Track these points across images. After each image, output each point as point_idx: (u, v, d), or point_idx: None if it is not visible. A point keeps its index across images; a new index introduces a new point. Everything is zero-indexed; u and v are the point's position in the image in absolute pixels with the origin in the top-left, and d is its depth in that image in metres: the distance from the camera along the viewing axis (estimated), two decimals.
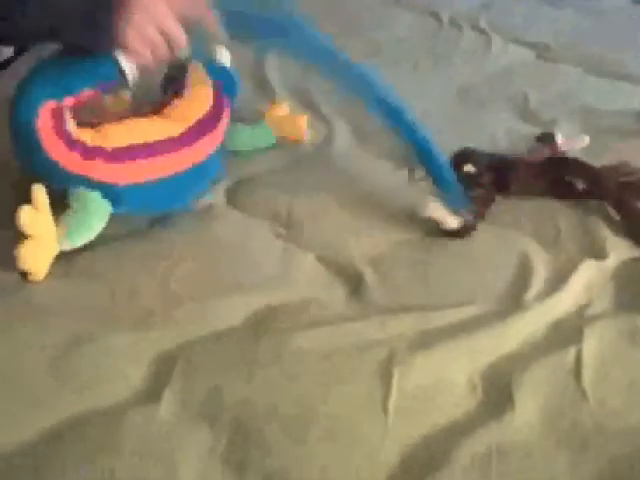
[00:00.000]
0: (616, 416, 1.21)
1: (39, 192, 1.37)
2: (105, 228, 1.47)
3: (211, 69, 1.76)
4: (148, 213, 1.58)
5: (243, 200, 1.67)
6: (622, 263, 1.54)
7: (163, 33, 1.42)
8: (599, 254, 1.55)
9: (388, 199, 1.70)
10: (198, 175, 1.63)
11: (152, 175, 1.54)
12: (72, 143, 1.46)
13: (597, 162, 1.73)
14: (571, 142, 1.85)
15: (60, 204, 1.44)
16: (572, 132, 1.91)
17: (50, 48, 1.46)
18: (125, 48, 1.40)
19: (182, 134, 1.59)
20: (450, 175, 1.66)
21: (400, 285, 1.46)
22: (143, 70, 1.47)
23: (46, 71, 1.46)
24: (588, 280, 1.49)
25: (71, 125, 1.47)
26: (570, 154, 1.80)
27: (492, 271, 1.51)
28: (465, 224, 1.58)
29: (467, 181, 1.72)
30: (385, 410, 1.19)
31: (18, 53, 2.09)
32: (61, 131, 1.45)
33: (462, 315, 1.38)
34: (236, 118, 1.76)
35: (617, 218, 1.65)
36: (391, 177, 1.80)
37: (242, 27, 1.57)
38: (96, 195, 1.47)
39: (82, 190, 1.47)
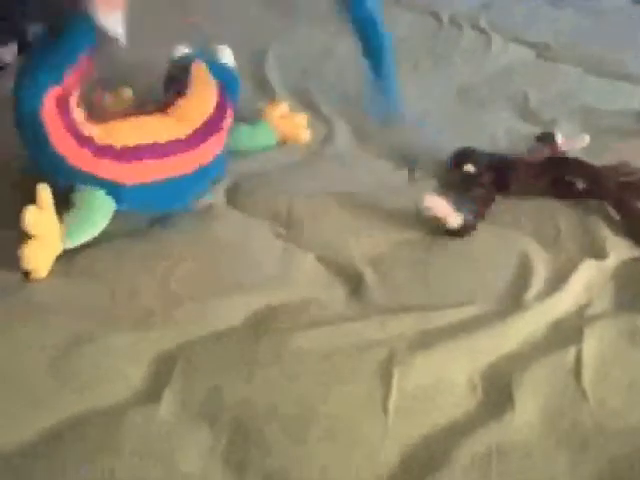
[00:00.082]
0: (616, 416, 1.21)
1: (44, 191, 1.37)
2: (105, 227, 1.47)
3: (214, 69, 1.76)
4: (150, 212, 1.58)
5: (243, 200, 1.67)
6: (622, 263, 1.54)
7: None
8: (599, 254, 1.55)
9: (388, 199, 1.70)
10: (203, 176, 1.63)
11: (159, 175, 1.55)
12: (82, 139, 1.46)
13: (597, 162, 1.74)
14: (571, 142, 1.85)
15: (64, 201, 1.44)
16: (572, 132, 1.91)
17: None
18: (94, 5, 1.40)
19: (189, 135, 1.60)
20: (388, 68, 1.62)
21: (400, 285, 1.46)
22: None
23: (38, 58, 1.45)
24: (588, 280, 1.49)
25: (78, 114, 1.47)
26: (570, 154, 1.80)
27: (492, 271, 1.51)
28: (466, 224, 1.58)
29: (467, 181, 1.73)
30: (385, 410, 1.19)
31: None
32: (69, 124, 1.44)
33: (462, 315, 1.38)
34: (236, 118, 1.76)
35: (617, 218, 1.65)
36: (391, 177, 1.80)
37: None
38: (101, 193, 1.47)
39: (87, 187, 1.47)
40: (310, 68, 2.25)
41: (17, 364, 1.23)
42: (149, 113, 1.63)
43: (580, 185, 1.71)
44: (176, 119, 1.61)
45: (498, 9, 2.74)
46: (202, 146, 1.61)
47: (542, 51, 2.46)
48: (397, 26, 2.59)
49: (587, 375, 1.27)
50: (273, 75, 2.20)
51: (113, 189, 1.48)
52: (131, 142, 1.51)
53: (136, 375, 1.23)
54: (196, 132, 1.61)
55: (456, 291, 1.45)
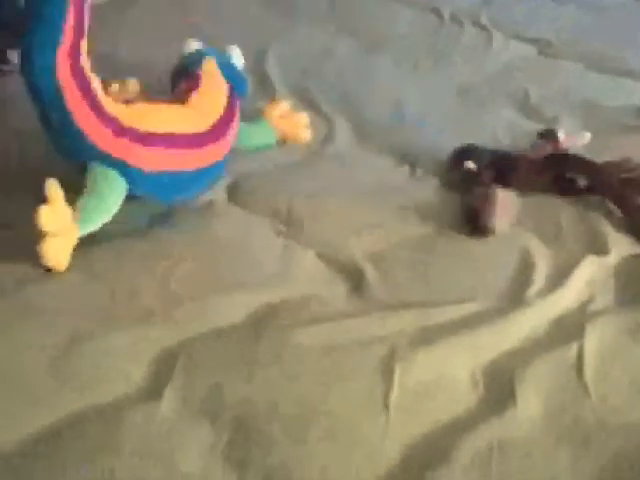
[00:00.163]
0: (618, 412, 1.20)
1: (53, 188, 1.37)
2: (106, 226, 1.47)
3: (223, 69, 1.77)
4: (162, 200, 1.58)
5: (244, 197, 1.67)
6: (624, 259, 1.54)
7: None
8: (601, 250, 1.55)
9: (389, 196, 1.70)
10: (217, 170, 1.65)
11: (177, 165, 1.55)
12: (106, 118, 1.45)
13: (599, 158, 1.73)
14: (573, 139, 1.84)
15: (77, 181, 1.44)
16: (574, 128, 1.91)
17: None
18: None
19: (209, 129, 1.60)
20: None
21: (401, 282, 1.46)
22: None
23: (30, 28, 1.42)
24: (590, 276, 1.48)
25: (97, 85, 1.45)
26: (572, 150, 1.80)
27: (494, 267, 1.51)
28: (486, 226, 1.57)
29: (468, 178, 1.72)
30: (386, 407, 1.19)
31: None
32: (91, 101, 1.42)
33: (463, 311, 1.37)
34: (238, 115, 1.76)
35: (619, 214, 1.65)
36: (392, 175, 1.80)
37: None
38: (115, 174, 1.47)
39: (101, 168, 1.46)
40: (310, 68, 2.25)
41: (17, 364, 1.23)
42: (169, 102, 1.63)
43: (582, 182, 1.70)
44: (194, 111, 1.62)
45: (499, 6, 2.73)
46: (221, 141, 1.63)
47: (543, 48, 2.45)
48: (398, 23, 2.60)
49: (589, 371, 1.26)
50: (273, 74, 2.20)
51: (129, 173, 1.48)
52: (155, 129, 1.51)
53: (136, 374, 1.23)
54: (214, 127, 1.62)
55: (457, 287, 1.44)
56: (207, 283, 1.42)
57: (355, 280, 1.46)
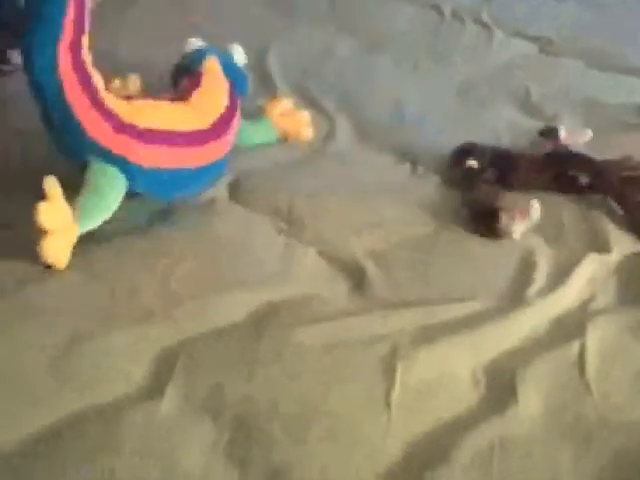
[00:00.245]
0: (620, 410, 1.20)
1: (52, 185, 1.37)
2: (105, 225, 1.47)
3: (225, 67, 1.76)
4: (161, 197, 1.58)
5: (245, 195, 1.67)
6: (625, 257, 1.54)
7: None
8: (602, 248, 1.55)
9: (390, 194, 1.70)
10: (217, 168, 1.65)
11: (178, 163, 1.55)
12: (107, 114, 1.45)
13: (600, 156, 1.73)
14: (574, 136, 1.84)
15: (76, 178, 1.44)
16: (574, 126, 1.91)
17: None
18: None
19: (210, 127, 1.60)
20: None
21: (402, 280, 1.46)
22: None
23: (31, 25, 1.41)
24: (591, 274, 1.48)
25: (98, 80, 1.45)
26: (573, 148, 1.79)
27: (495, 266, 1.50)
28: (507, 229, 1.56)
29: (470, 176, 1.72)
30: (387, 406, 1.18)
31: None
32: (92, 96, 1.42)
33: (465, 310, 1.37)
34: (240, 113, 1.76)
35: (620, 212, 1.65)
36: (393, 172, 1.80)
37: None
38: (115, 171, 1.47)
39: (101, 164, 1.46)
40: (311, 66, 2.25)
41: (17, 364, 1.23)
42: (170, 100, 1.63)
43: (583, 180, 1.70)
44: (196, 110, 1.62)
45: (500, 3, 2.73)
46: (222, 139, 1.63)
47: (544, 45, 2.45)
48: (398, 20, 2.60)
49: (590, 369, 1.26)
50: (274, 73, 2.20)
51: (129, 169, 1.48)
52: (155, 125, 1.51)
53: (137, 373, 1.22)
54: (215, 125, 1.62)
55: (459, 286, 1.44)
56: (208, 281, 1.42)
57: (356, 278, 1.45)
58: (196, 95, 1.65)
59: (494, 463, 1.11)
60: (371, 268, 1.47)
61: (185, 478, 1.08)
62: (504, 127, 1.97)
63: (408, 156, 1.84)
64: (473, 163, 1.74)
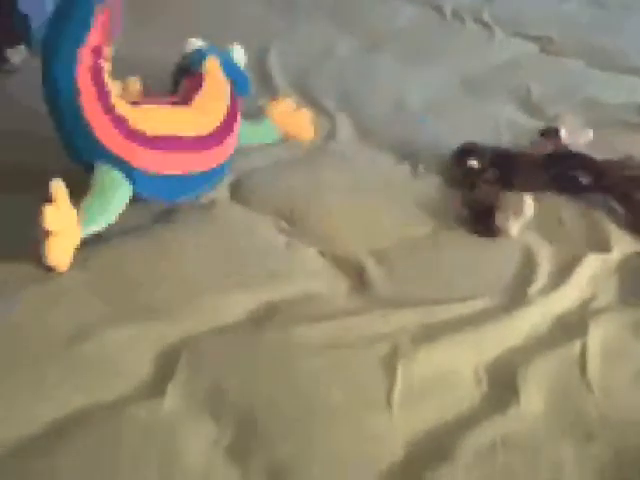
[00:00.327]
0: (621, 408, 1.21)
1: (59, 188, 1.37)
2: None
3: (225, 67, 1.76)
4: (167, 201, 1.58)
5: (246, 195, 1.67)
6: (626, 257, 1.54)
7: None
8: (603, 248, 1.55)
9: (391, 193, 1.70)
10: (222, 170, 1.65)
11: (183, 168, 1.56)
12: (117, 120, 1.46)
13: (601, 156, 1.73)
14: (575, 136, 1.84)
15: (82, 181, 1.44)
16: (575, 126, 1.90)
17: None
18: None
19: (214, 131, 1.61)
20: None
21: (403, 279, 1.46)
22: None
23: (57, 25, 1.43)
24: (592, 273, 1.48)
25: (111, 87, 1.46)
26: (574, 148, 1.79)
27: (496, 265, 1.51)
28: (501, 228, 1.57)
29: (470, 175, 1.72)
30: (389, 404, 1.19)
31: None
32: (106, 104, 1.43)
33: (466, 309, 1.38)
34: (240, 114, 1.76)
35: (621, 212, 1.65)
36: (394, 171, 1.80)
37: None
38: (120, 177, 1.47)
39: (108, 170, 1.46)
40: (312, 65, 2.25)
41: (21, 359, 1.23)
42: (173, 104, 1.63)
43: (584, 179, 1.70)
44: (199, 113, 1.62)
45: (501, 2, 2.73)
46: (225, 143, 1.63)
47: (545, 45, 2.45)
48: (399, 19, 2.59)
49: (592, 368, 1.27)
50: (275, 72, 2.20)
51: (135, 175, 1.49)
52: (162, 132, 1.52)
53: (140, 370, 1.23)
54: (218, 129, 1.62)
55: (460, 285, 1.44)
56: (209, 280, 1.42)
57: (357, 278, 1.46)
58: (198, 97, 1.64)
59: (496, 461, 1.11)
60: (372, 267, 1.48)
61: (187, 475, 1.08)
62: (505, 126, 1.97)
63: (409, 155, 1.84)
64: (474, 163, 1.74)
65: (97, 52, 1.42)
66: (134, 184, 1.49)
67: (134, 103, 1.54)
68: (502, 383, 1.24)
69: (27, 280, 1.37)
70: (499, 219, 1.56)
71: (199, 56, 1.78)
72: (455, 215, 1.63)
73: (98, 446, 1.10)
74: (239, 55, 1.86)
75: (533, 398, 1.21)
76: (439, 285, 1.45)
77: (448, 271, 1.49)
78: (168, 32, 2.24)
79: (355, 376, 1.24)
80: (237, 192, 1.68)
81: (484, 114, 2.03)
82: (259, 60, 2.22)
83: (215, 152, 1.61)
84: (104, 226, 1.45)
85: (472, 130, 1.90)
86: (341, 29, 2.49)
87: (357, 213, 1.62)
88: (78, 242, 1.41)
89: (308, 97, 2.06)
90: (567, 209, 1.66)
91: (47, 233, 1.35)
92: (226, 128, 1.64)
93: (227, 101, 1.69)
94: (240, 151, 1.72)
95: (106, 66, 1.45)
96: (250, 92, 1.85)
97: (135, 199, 1.51)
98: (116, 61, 1.94)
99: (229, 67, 1.79)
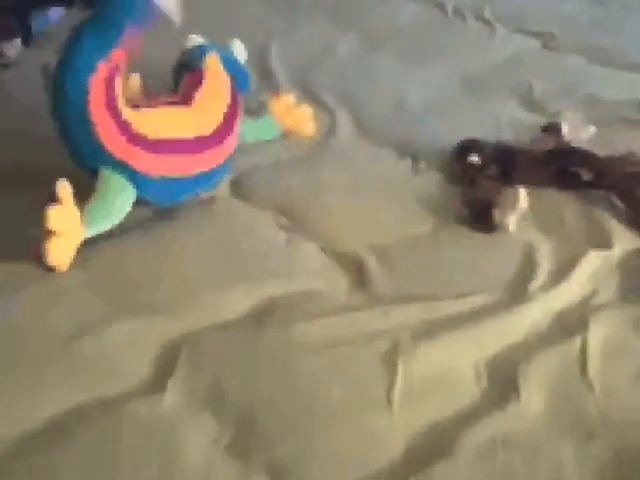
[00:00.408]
0: (622, 407, 1.20)
1: (64, 189, 1.37)
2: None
3: (225, 63, 1.76)
4: (170, 203, 1.58)
5: (247, 191, 1.67)
6: (627, 253, 1.54)
7: None
8: (604, 244, 1.55)
9: (392, 190, 1.69)
10: (223, 168, 1.64)
11: (186, 170, 1.56)
12: (121, 125, 1.45)
13: (602, 152, 1.72)
14: (576, 132, 1.84)
15: (85, 184, 1.43)
16: (577, 122, 1.90)
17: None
18: None
19: (214, 131, 1.60)
20: None
21: (404, 275, 1.46)
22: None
23: (84, 32, 1.42)
24: (593, 270, 1.48)
25: (119, 91, 1.46)
26: (575, 144, 1.79)
27: (496, 261, 1.51)
28: (500, 223, 1.56)
29: (471, 171, 1.72)
30: (389, 401, 1.19)
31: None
32: (113, 110, 1.44)
33: (466, 305, 1.37)
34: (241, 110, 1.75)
35: (622, 208, 1.64)
36: (394, 168, 1.79)
37: None
38: (123, 181, 1.47)
39: (111, 173, 1.46)
40: (312, 62, 2.24)
41: (21, 356, 1.23)
42: (174, 104, 1.62)
43: (585, 176, 1.70)
44: (200, 112, 1.61)
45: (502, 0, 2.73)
46: (226, 142, 1.63)
47: (547, 41, 2.45)
48: (400, 17, 2.59)
49: (592, 365, 1.26)
50: (276, 69, 2.19)
51: (138, 179, 1.48)
52: (163, 135, 1.52)
53: (140, 366, 1.23)
54: (219, 127, 1.62)
55: (460, 281, 1.44)
56: (209, 277, 1.42)
57: (358, 274, 1.46)
58: (199, 96, 1.64)
59: (497, 458, 1.11)
60: (372, 264, 1.47)
61: (187, 473, 1.08)
62: (506, 123, 1.97)
63: (409, 152, 1.84)
64: (474, 159, 1.74)
65: (114, 67, 1.43)
66: (137, 188, 1.49)
67: (135, 106, 1.54)
68: (502, 380, 1.24)
69: (27, 280, 1.37)
70: (497, 215, 1.55)
71: (199, 52, 1.77)
72: (455, 212, 1.63)
73: (98, 442, 1.10)
74: (239, 51, 1.86)
75: (533, 395, 1.21)
76: (439, 282, 1.45)
77: (448, 268, 1.49)
78: (168, 32, 2.23)
79: (355, 373, 1.24)
80: (238, 189, 1.68)
81: (485, 111, 2.03)
82: (259, 57, 2.22)
83: (216, 151, 1.61)
84: (107, 229, 1.45)
85: (473, 127, 1.90)
86: (342, 27, 2.49)
87: (357, 210, 1.62)
88: (79, 243, 1.41)
89: (309, 94, 2.05)
90: (568, 205, 1.66)
91: (50, 233, 1.35)
92: (227, 126, 1.64)
93: (228, 98, 1.68)
94: (241, 148, 1.72)
95: (120, 71, 1.45)
96: (250, 88, 1.84)
97: (138, 201, 1.51)
98: None
99: (229, 63, 1.78)
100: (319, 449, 1.12)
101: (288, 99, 1.93)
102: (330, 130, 1.92)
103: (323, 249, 1.51)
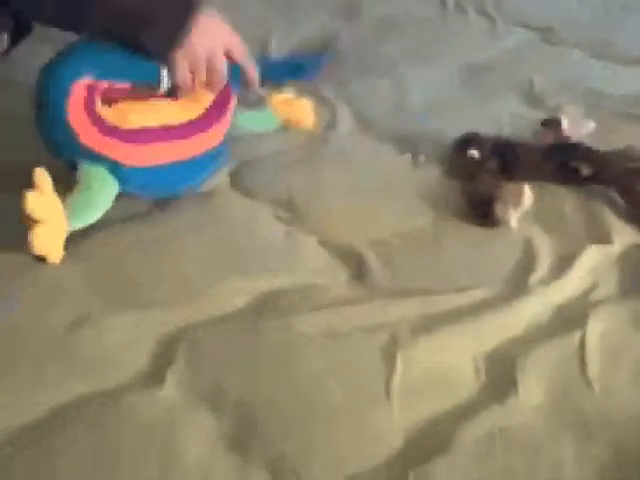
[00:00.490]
0: (621, 401, 1.20)
1: (41, 175, 1.36)
2: (106, 211, 1.46)
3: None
4: (156, 194, 1.57)
5: (246, 183, 1.66)
6: (627, 249, 1.54)
7: (209, 62, 1.50)
8: (604, 239, 1.54)
9: (391, 183, 1.69)
10: (212, 158, 1.63)
11: (167, 158, 1.54)
12: (94, 117, 1.45)
13: (603, 147, 1.72)
14: (577, 127, 1.83)
15: (64, 180, 1.42)
16: (577, 117, 1.90)
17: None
18: (173, 62, 1.47)
19: (198, 118, 1.59)
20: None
21: (403, 269, 1.46)
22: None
23: (98, 48, 1.45)
24: (592, 265, 1.48)
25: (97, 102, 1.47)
26: (575, 139, 1.79)
27: (496, 255, 1.50)
28: (502, 218, 1.56)
29: (471, 166, 1.72)
30: (388, 395, 1.18)
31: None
32: (89, 106, 1.44)
33: (466, 299, 1.37)
34: (240, 102, 1.74)
35: (622, 203, 1.64)
36: (394, 161, 1.79)
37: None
38: (104, 173, 1.46)
39: (91, 167, 1.45)
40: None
41: (20, 347, 1.23)
42: (158, 97, 1.61)
43: (585, 171, 1.69)
44: (186, 101, 1.60)
45: None
46: (213, 127, 1.61)
47: (547, 35, 2.44)
48: (401, 10, 2.58)
49: (592, 360, 1.26)
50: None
51: (118, 170, 1.47)
52: (138, 124, 1.50)
53: (139, 358, 1.23)
54: (204, 115, 1.60)
55: (460, 275, 1.44)
56: (208, 269, 1.42)
57: (357, 267, 1.45)
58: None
59: (495, 452, 1.11)
60: (372, 257, 1.47)
61: (186, 469, 1.07)
62: (507, 117, 1.96)
63: (409, 146, 1.83)
64: (474, 153, 1.73)
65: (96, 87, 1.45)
66: (119, 180, 1.48)
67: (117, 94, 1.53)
68: (501, 373, 1.23)
69: (27, 280, 1.37)
70: (499, 210, 1.55)
71: None
72: (455, 206, 1.62)
73: (97, 434, 1.10)
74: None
75: (532, 389, 1.20)
76: (439, 275, 1.45)
77: (448, 262, 1.49)
78: None
79: (354, 366, 1.23)
80: (237, 180, 1.67)
81: (486, 105, 2.03)
82: (261, 47, 2.21)
83: (206, 135, 1.59)
84: (92, 221, 1.43)
85: (474, 121, 1.90)
86: (342, 20, 2.49)
87: (357, 203, 1.62)
88: (66, 233, 1.39)
89: (309, 86, 2.05)
90: (568, 200, 1.66)
91: (32, 221, 1.33)
92: (217, 110, 1.62)
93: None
94: (240, 139, 1.72)
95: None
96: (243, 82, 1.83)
97: (135, 195, 1.51)
98: None
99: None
100: (318, 443, 1.11)
101: (288, 91, 1.92)
102: (330, 125, 1.92)
103: (322, 242, 1.51)
